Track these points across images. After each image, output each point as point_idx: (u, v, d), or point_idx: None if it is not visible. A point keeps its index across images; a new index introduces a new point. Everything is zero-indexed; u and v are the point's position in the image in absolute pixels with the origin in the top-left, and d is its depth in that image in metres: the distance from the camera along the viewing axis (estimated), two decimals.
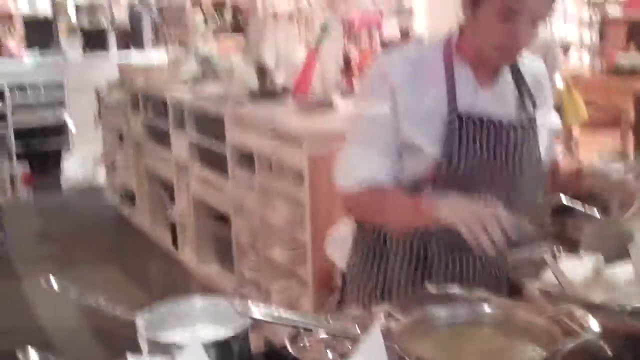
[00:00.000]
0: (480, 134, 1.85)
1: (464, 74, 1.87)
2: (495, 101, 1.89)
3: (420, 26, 7.78)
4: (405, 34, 7.43)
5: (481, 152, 1.85)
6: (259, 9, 9.92)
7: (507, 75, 1.93)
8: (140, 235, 6.22)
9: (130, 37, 9.12)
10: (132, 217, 6.55)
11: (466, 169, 1.85)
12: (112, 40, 9.05)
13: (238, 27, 10.68)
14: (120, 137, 6.74)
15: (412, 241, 1.94)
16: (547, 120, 2.02)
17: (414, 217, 1.83)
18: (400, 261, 1.98)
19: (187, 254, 5.41)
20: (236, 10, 11.33)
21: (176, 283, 5.05)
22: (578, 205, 2.42)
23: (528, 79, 1.95)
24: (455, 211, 1.68)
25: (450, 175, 1.84)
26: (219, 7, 12.35)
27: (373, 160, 1.88)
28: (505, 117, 1.89)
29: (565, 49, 6.70)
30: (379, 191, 1.87)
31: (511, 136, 1.88)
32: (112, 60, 7.96)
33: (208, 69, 5.47)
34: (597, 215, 2.37)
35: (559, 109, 6.03)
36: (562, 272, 1.73)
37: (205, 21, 10.34)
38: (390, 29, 7.35)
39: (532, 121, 1.92)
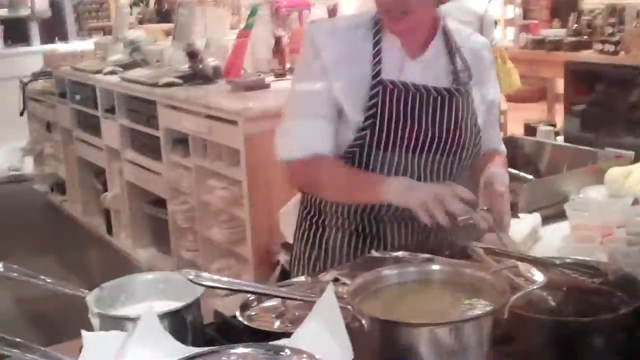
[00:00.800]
0: (404, 101, 1.87)
1: (390, 45, 1.90)
2: (423, 70, 1.91)
3: (348, 7, 7.80)
4: (333, 13, 7.47)
5: (404, 118, 1.87)
6: None
7: (439, 46, 1.95)
8: (74, 223, 6.13)
9: (53, 27, 8.93)
10: (64, 206, 6.45)
11: (389, 135, 1.87)
12: (34, 30, 8.85)
13: (162, 13, 10.58)
14: (48, 126, 6.62)
15: (357, 212, 1.97)
16: (485, 92, 2.02)
17: (363, 193, 1.86)
18: (344, 232, 2.00)
19: (123, 240, 5.37)
20: None
21: (114, 269, 4.99)
22: (512, 169, 2.49)
23: (465, 51, 1.97)
24: (408, 194, 1.73)
25: (374, 143, 1.87)
26: None
27: (317, 132, 1.89)
28: (433, 84, 1.90)
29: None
30: (328, 163, 1.89)
31: (438, 103, 1.90)
32: (36, 51, 7.79)
33: (137, 55, 5.41)
34: (531, 177, 2.45)
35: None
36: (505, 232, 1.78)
37: (131, 7, 10.20)
38: (318, 10, 7.39)
39: (465, 90, 1.93)
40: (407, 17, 1.83)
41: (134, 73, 4.99)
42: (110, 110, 5.17)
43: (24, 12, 9.05)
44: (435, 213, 1.68)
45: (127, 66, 5.28)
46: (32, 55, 7.73)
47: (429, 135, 1.88)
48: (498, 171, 1.89)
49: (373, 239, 1.98)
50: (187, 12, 4.79)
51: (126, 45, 5.57)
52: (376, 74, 1.87)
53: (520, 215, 2.05)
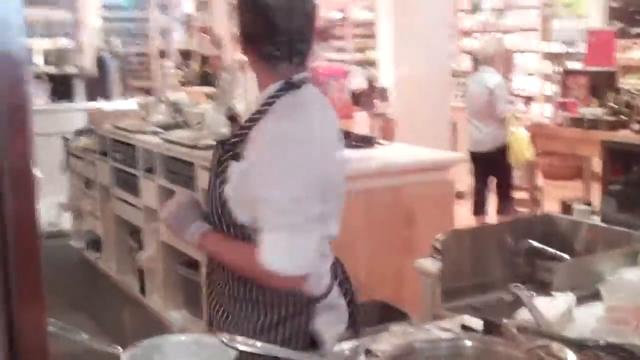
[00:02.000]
0: None
1: None
2: None
3: (387, 77, 7.92)
4: (371, 83, 7.58)
5: None
6: (228, 59, 10.03)
7: None
8: (107, 281, 6.17)
9: (98, 86, 9.11)
10: (99, 263, 6.51)
11: None
12: (79, 88, 9.04)
13: (204, 77, 10.80)
14: (87, 183, 6.72)
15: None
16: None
17: None
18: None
19: (155, 300, 5.38)
20: (204, 61, 11.45)
21: (145, 329, 5.01)
22: (548, 248, 2.49)
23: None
24: None
25: None
26: (185, 57, 12.49)
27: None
28: None
29: (528, 100, 6.88)
30: None
31: None
32: (80, 109, 7.95)
33: (178, 116, 5.51)
34: (567, 257, 2.44)
35: (506, 148, 6.24)
36: (538, 310, 1.78)
37: (174, 70, 10.42)
38: (357, 79, 7.51)
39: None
40: None
41: (175, 134, 5.07)
42: (150, 170, 5.24)
43: (70, 70, 9.27)
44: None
45: (168, 127, 5.37)
46: (76, 112, 7.89)
47: None
48: None
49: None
50: (229, 77, 4.90)
51: (168, 106, 5.67)
52: None
53: (554, 294, 2.05)
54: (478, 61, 6.65)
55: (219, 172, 2.01)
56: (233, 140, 2.00)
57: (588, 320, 1.92)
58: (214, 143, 4.46)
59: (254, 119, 1.97)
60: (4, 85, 0.73)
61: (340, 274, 2.15)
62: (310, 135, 1.94)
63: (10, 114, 0.73)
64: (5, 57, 0.73)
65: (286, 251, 1.87)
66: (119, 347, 1.58)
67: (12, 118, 0.74)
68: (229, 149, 1.99)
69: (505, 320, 1.70)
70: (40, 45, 10.04)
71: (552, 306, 1.93)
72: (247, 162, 1.93)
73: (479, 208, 6.71)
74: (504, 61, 6.53)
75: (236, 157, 1.96)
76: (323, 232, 1.96)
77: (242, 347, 1.40)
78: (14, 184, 0.74)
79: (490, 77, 6.37)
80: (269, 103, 1.97)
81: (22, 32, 0.76)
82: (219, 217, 2.00)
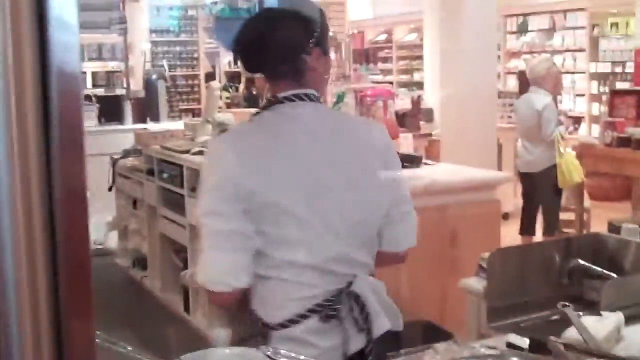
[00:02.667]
0: None
1: None
2: None
3: (431, 97, 7.91)
4: (416, 104, 7.57)
5: None
6: None
7: None
8: (152, 299, 6.22)
9: (146, 107, 9.23)
10: (144, 281, 6.56)
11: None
12: (127, 109, 9.16)
13: (250, 98, 10.91)
14: (134, 203, 6.79)
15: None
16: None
17: None
18: None
19: (200, 319, 5.40)
20: (250, 82, 11.57)
21: (189, 348, 5.03)
22: (595, 267, 2.46)
23: None
24: None
25: None
26: (232, 80, 12.63)
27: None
28: None
29: (576, 121, 6.80)
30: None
31: None
32: (127, 130, 8.05)
33: None
34: (614, 275, 2.40)
35: (555, 169, 6.18)
36: (586, 328, 1.75)
37: (220, 91, 10.52)
38: (402, 100, 7.51)
39: None
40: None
41: None
42: (195, 190, 5.28)
43: (119, 92, 9.42)
44: None
45: None
46: (124, 133, 8.00)
47: None
48: None
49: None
50: None
51: (214, 127, 5.72)
52: None
53: (602, 313, 2.01)
54: (524, 82, 6.60)
55: None
56: None
57: (637, 340, 1.88)
58: None
59: None
60: (61, 106, 0.75)
61: (355, 310, 1.96)
62: (230, 151, 1.96)
63: (65, 134, 0.75)
64: (63, 78, 0.75)
65: (203, 264, 1.97)
66: None
67: (67, 138, 0.75)
68: None
69: (552, 338, 1.68)
70: (90, 67, 10.24)
71: (601, 325, 1.90)
72: None
73: (526, 228, 6.66)
74: (554, 82, 6.49)
75: None
76: (267, 252, 1.94)
77: None
78: (66, 202, 0.75)
79: (539, 98, 6.32)
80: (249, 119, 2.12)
81: (78, 55, 0.78)
82: None
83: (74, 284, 0.78)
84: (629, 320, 2.03)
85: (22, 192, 0.74)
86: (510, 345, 1.94)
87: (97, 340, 1.60)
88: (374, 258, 2.07)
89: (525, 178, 6.61)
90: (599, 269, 2.45)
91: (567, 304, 1.89)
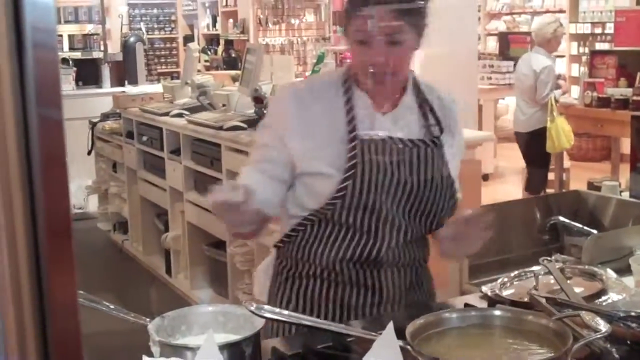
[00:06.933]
0: (381, 154, 1.92)
1: (360, 101, 1.96)
2: (394, 125, 1.97)
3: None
4: None
5: (384, 170, 1.91)
6: (254, 41, 10.03)
7: (409, 102, 2.01)
8: (134, 262, 6.22)
9: (124, 71, 9.12)
10: (125, 245, 6.55)
11: (370, 187, 1.90)
12: (105, 73, 9.05)
13: (229, 61, 10.82)
14: (114, 166, 6.76)
15: (342, 260, 1.97)
16: (455, 144, 2.07)
17: None
18: (322, 281, 2.01)
19: (181, 281, 5.42)
20: (228, 44, 11.47)
21: (171, 309, 5.04)
22: (576, 223, 2.47)
23: (435, 106, 2.04)
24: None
25: (356, 195, 1.90)
26: (210, 42, 12.52)
27: (267, 187, 1.95)
28: (406, 137, 1.96)
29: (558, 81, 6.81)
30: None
31: (414, 154, 1.95)
32: (106, 93, 7.96)
33: (204, 99, 5.51)
34: (595, 232, 2.41)
35: (544, 133, 6.18)
36: (567, 283, 1.76)
37: (200, 53, 10.44)
38: None
39: (436, 141, 1.99)
40: (391, 78, 1.92)
41: (200, 116, 5.08)
42: (175, 152, 5.26)
43: (96, 55, 9.30)
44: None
45: (193, 109, 5.38)
46: (102, 96, 7.91)
47: (407, 185, 1.93)
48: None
49: (359, 287, 1.98)
50: (254, 59, 4.87)
51: (194, 89, 5.68)
52: (351, 130, 1.92)
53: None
54: (504, 44, 6.54)
55: None
56: None
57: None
58: (240, 124, 4.50)
59: None
60: (37, 69, 0.73)
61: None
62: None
63: (42, 97, 0.74)
64: (39, 40, 0.74)
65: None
66: (146, 319, 1.59)
67: (45, 102, 0.74)
68: None
69: (534, 292, 1.69)
70: (66, 30, 10.10)
71: (582, 279, 1.91)
72: None
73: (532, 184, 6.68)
74: (558, 44, 6.50)
75: None
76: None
77: (269, 316, 1.40)
78: (46, 167, 0.74)
79: (540, 59, 6.32)
80: None
81: (54, 16, 0.76)
82: None
83: (55, 248, 0.77)
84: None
85: (0, 157, 0.72)
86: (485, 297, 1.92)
87: (80, 300, 1.60)
88: None
89: (519, 137, 6.65)
90: (579, 225, 2.46)
91: (548, 258, 1.90)
